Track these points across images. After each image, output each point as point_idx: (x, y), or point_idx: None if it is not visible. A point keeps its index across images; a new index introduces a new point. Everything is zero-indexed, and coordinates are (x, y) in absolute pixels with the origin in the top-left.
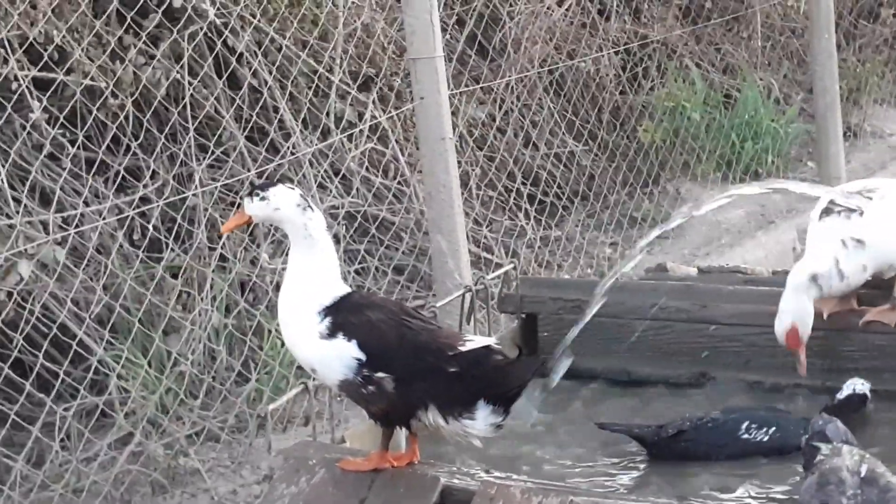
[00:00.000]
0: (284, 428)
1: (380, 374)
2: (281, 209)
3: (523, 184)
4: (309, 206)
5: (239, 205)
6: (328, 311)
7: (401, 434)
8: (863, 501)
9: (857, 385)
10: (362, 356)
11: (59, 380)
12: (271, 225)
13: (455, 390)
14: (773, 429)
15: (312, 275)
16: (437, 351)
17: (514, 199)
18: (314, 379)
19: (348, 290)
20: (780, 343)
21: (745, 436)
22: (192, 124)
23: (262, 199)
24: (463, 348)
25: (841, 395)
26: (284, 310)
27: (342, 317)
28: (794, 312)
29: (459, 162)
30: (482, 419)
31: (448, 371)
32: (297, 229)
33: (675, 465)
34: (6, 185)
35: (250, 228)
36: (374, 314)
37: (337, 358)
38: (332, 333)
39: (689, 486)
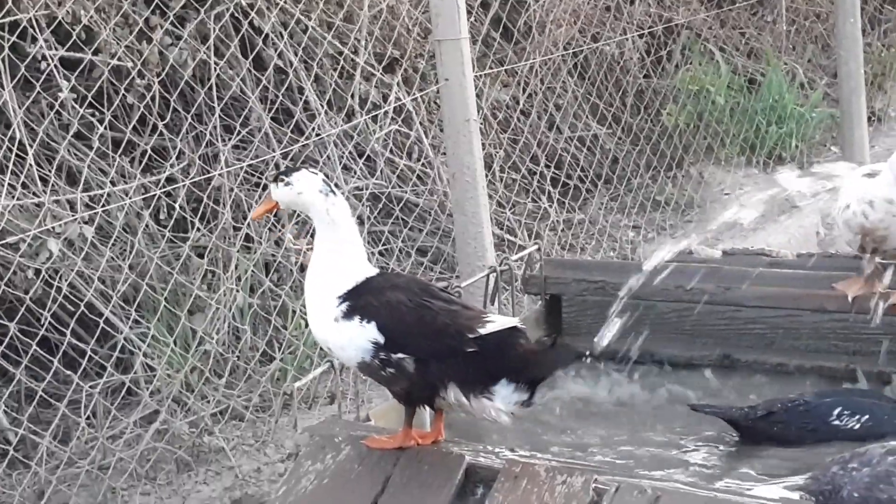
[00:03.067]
0: (309, 406)
1: (399, 356)
2: (304, 193)
3: (547, 166)
4: (331, 190)
5: (266, 189)
6: (349, 295)
7: (425, 413)
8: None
9: None
10: (381, 338)
11: (86, 357)
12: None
13: (475, 370)
14: (866, 417)
15: (336, 260)
16: (456, 333)
17: (538, 181)
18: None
19: (373, 272)
20: None
21: (836, 422)
22: (218, 105)
23: (287, 184)
24: (483, 330)
25: None
26: (309, 295)
27: (363, 300)
28: None
29: (483, 144)
30: (503, 397)
31: (467, 352)
32: (321, 214)
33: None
34: (34, 163)
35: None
36: (393, 295)
37: (354, 340)
38: (348, 316)
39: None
